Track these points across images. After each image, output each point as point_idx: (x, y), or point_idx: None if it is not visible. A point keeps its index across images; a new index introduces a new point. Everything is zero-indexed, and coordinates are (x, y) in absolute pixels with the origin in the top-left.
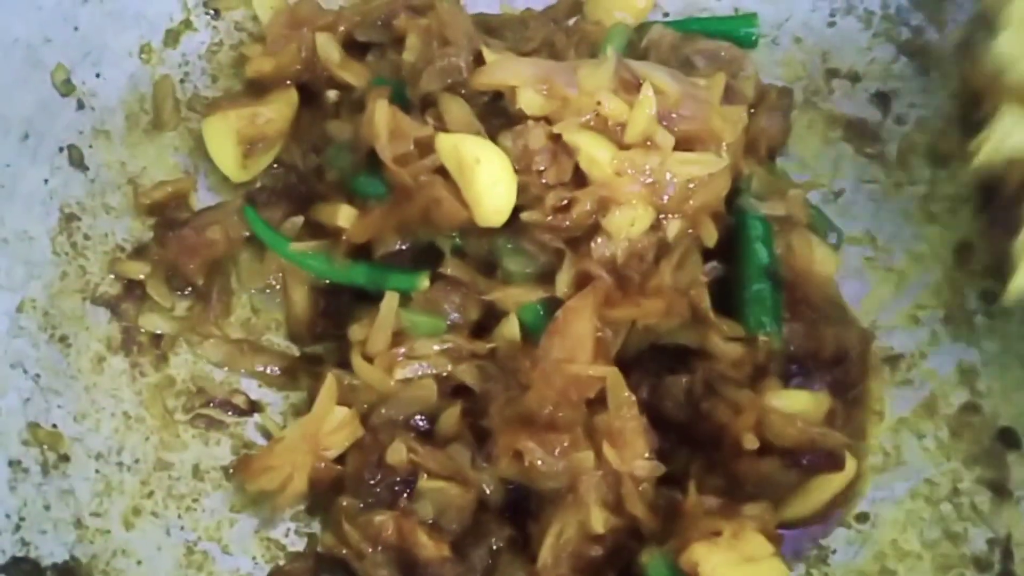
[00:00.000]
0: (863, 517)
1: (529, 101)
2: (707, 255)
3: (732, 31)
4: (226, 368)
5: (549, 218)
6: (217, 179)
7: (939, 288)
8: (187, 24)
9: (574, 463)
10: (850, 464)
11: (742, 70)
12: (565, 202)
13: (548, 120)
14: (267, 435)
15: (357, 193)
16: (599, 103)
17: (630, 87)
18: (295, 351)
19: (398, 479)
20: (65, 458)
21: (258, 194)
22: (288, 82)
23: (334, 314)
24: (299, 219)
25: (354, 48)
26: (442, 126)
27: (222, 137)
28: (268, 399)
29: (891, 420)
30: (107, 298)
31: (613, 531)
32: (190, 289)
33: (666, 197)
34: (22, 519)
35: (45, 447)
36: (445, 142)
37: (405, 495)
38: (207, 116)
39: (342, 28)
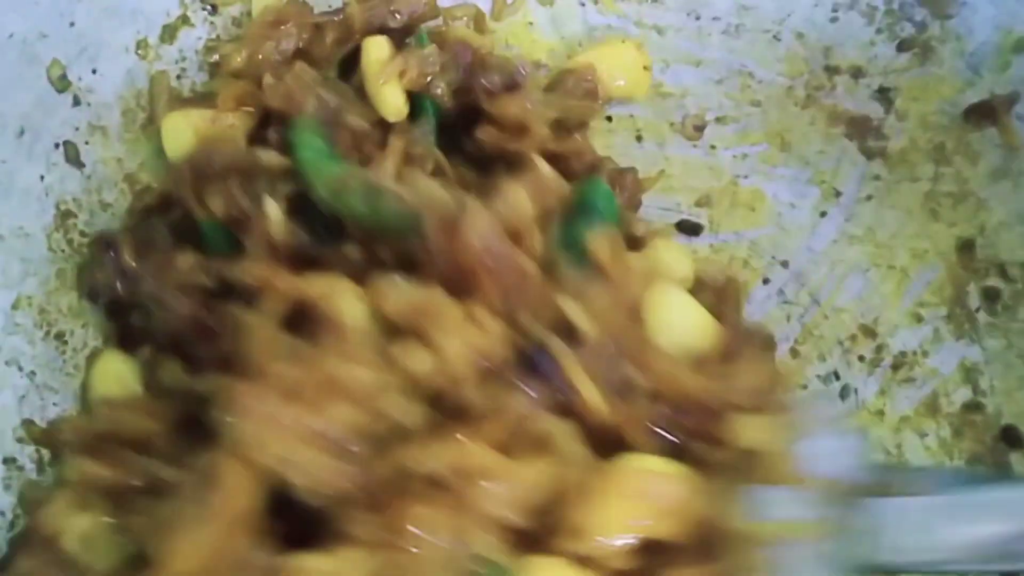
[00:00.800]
0: None
1: None
2: None
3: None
4: None
5: None
6: None
7: (941, 286)
8: (184, 20)
9: None
10: None
11: None
12: None
13: None
14: None
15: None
16: None
17: None
18: None
19: None
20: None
21: None
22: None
23: None
24: None
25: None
26: None
27: (179, 134)
28: None
29: (893, 419)
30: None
31: None
32: None
33: None
34: (17, 516)
35: (40, 445)
36: None
37: None
38: (168, 112)
39: (330, 38)
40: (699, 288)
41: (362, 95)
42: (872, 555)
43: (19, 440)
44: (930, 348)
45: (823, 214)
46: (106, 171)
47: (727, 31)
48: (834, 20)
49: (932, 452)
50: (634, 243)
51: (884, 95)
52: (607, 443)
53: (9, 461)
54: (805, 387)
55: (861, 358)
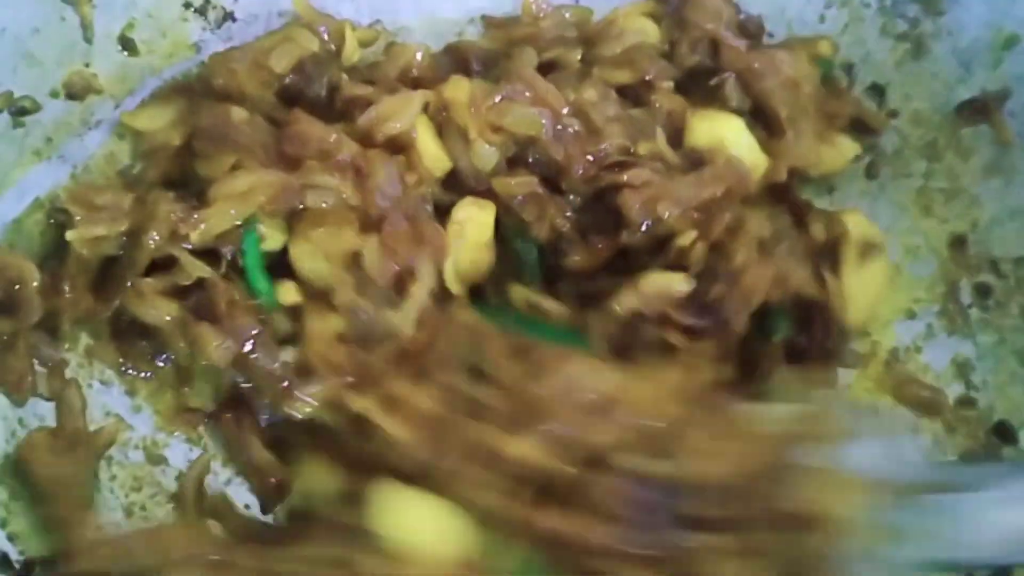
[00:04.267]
0: None
1: None
2: None
3: None
4: None
5: None
6: None
7: (934, 282)
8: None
9: None
10: None
11: None
12: None
13: None
14: None
15: None
16: None
17: None
18: None
19: None
20: None
21: None
22: None
23: None
24: None
25: None
26: None
27: None
28: None
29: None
30: None
31: None
32: None
33: None
34: (10, 513)
35: None
36: None
37: None
38: None
39: None
40: None
41: None
42: (933, 553)
43: (12, 434)
44: (923, 344)
45: None
46: (98, 166)
47: None
48: (826, 18)
49: (925, 448)
50: None
51: (877, 91)
52: None
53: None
54: None
55: None
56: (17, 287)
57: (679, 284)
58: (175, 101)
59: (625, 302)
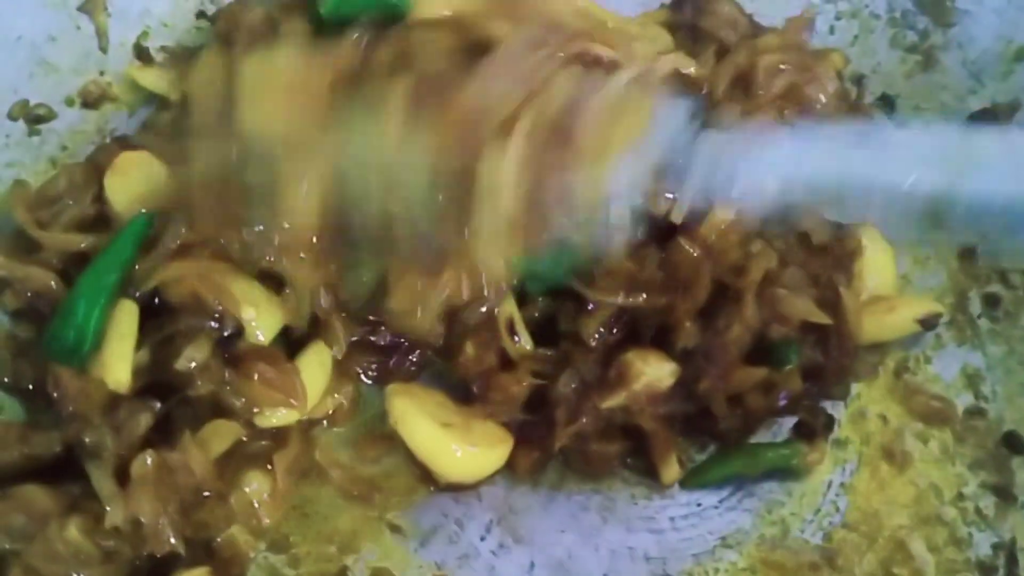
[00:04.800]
0: (868, 522)
1: None
2: None
3: None
4: None
5: None
6: None
7: (943, 292)
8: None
9: None
10: None
11: None
12: None
13: None
14: None
15: None
16: None
17: None
18: None
19: None
20: None
21: None
22: None
23: None
24: None
25: None
26: None
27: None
28: None
29: (895, 424)
30: None
31: None
32: None
33: None
34: None
35: None
36: None
37: None
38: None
39: None
40: None
41: None
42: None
43: None
44: (932, 354)
45: None
46: None
47: None
48: (836, 29)
49: (935, 458)
50: None
51: (887, 102)
52: None
53: None
54: None
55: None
56: (28, 294)
57: (668, 378)
58: (183, 66)
59: (613, 402)
